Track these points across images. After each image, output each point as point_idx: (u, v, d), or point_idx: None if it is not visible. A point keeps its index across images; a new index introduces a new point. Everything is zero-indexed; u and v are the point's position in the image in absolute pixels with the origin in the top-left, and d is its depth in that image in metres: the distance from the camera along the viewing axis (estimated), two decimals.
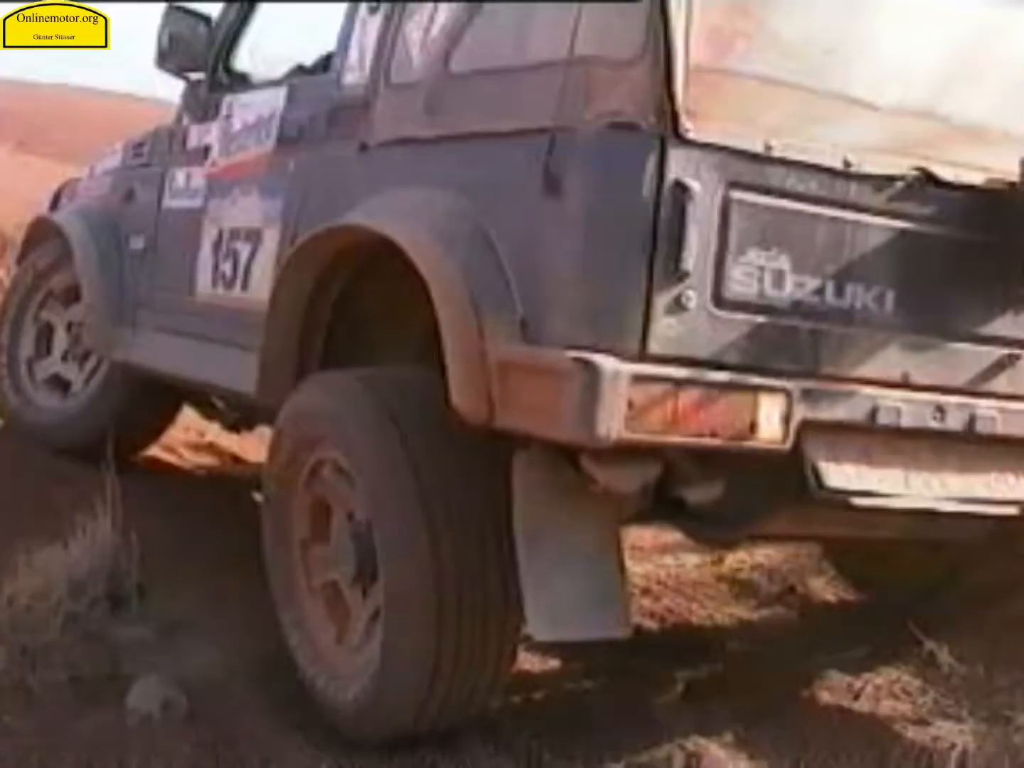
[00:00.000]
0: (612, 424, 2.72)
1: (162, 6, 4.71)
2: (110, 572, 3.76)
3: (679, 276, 2.80)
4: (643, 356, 2.79)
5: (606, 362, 2.74)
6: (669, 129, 2.78)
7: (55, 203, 5.71)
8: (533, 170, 2.93)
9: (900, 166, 3.01)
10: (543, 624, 3.01)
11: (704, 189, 2.81)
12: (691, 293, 2.82)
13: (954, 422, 3.08)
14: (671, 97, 2.77)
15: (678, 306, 2.81)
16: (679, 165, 2.79)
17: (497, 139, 3.15)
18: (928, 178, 3.03)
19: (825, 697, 3.75)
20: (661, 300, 2.80)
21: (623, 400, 2.72)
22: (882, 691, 3.77)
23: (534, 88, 3.06)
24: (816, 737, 3.47)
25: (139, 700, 3.37)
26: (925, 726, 3.55)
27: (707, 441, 2.82)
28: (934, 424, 3.06)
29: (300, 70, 4.36)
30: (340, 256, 3.59)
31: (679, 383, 2.78)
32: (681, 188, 2.79)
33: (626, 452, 2.84)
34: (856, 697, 3.76)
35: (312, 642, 3.49)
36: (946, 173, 3.04)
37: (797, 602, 4.63)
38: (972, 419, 3.10)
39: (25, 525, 4.03)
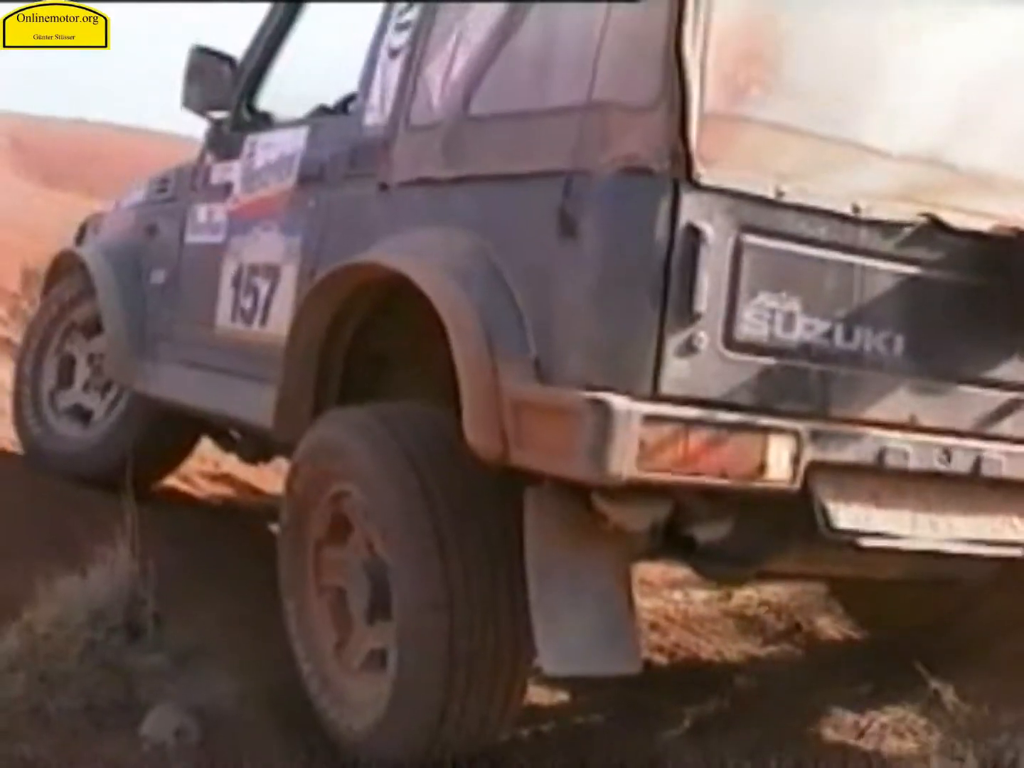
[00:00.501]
0: (624, 463, 2.76)
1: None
2: (128, 601, 3.78)
3: (691, 318, 2.84)
4: (655, 396, 2.83)
5: (618, 402, 2.77)
6: (683, 174, 2.81)
7: (81, 237, 5.77)
8: (549, 212, 2.97)
9: (909, 212, 3.05)
10: (553, 659, 3.02)
11: (716, 233, 2.84)
12: (702, 335, 2.85)
13: (960, 465, 3.10)
14: (685, 142, 2.80)
15: (689, 348, 2.85)
16: (692, 209, 2.83)
17: (514, 181, 3.20)
18: (936, 224, 3.06)
19: (830, 734, 3.77)
20: (673, 341, 2.84)
21: (635, 439, 2.76)
22: (887, 729, 3.78)
23: (552, 131, 3.11)
24: None
25: (153, 728, 3.40)
26: (929, 766, 3.57)
27: (716, 481, 2.86)
28: (941, 466, 3.08)
29: (322, 110, 4.40)
30: (358, 293, 3.63)
31: (689, 423, 2.82)
32: (694, 232, 2.82)
33: (637, 490, 2.87)
34: (861, 735, 3.77)
35: (311, 643, 3.53)
36: (954, 219, 3.07)
37: (803, 639, 4.64)
38: (978, 462, 3.12)
39: (45, 553, 4.05)
